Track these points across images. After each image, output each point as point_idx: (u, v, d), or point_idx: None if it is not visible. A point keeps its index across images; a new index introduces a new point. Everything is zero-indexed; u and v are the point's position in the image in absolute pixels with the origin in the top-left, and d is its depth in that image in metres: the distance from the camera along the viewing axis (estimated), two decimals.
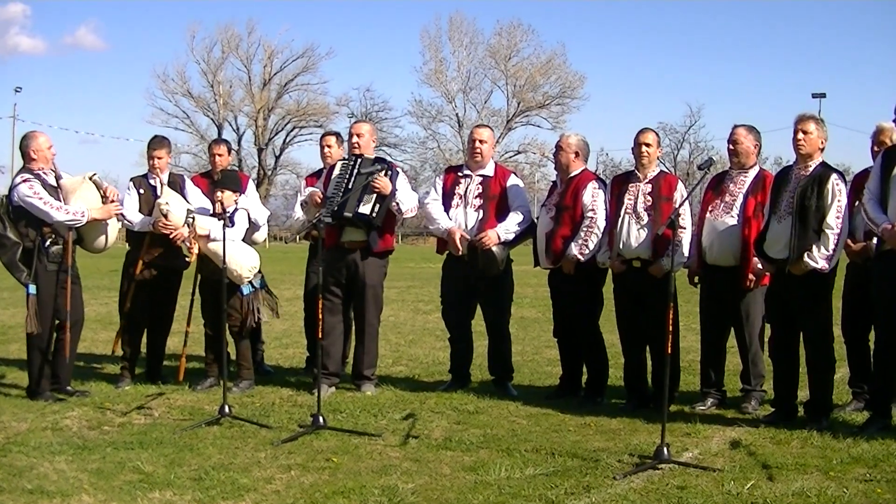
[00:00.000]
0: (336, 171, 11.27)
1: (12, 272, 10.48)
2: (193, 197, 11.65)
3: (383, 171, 11.03)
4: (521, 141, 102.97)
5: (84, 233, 10.80)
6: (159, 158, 11.67)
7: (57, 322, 10.65)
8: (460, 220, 11.17)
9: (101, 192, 10.92)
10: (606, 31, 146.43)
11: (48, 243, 10.45)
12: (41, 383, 10.60)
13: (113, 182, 11.62)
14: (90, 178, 10.92)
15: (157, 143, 11.79)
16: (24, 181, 10.43)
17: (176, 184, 11.69)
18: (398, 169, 11.42)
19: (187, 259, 11.28)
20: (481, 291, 11.35)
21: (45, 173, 10.65)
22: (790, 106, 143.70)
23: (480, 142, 11.34)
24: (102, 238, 11.06)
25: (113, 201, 10.98)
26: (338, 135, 12.67)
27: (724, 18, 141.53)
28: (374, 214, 11.00)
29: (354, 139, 11.42)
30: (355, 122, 11.99)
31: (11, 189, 10.51)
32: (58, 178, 10.81)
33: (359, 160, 11.21)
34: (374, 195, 10.97)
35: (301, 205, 11.71)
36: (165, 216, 11.06)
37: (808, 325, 9.52)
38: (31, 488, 7.29)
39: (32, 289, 10.41)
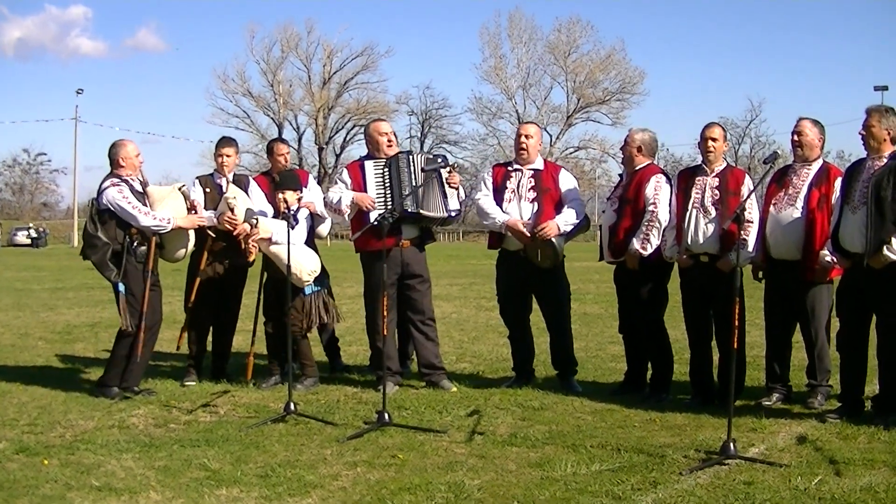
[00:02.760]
0: (374, 171, 11.26)
1: (102, 271, 10.58)
2: (257, 197, 11.71)
3: (452, 168, 11.33)
4: (581, 137, 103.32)
5: (166, 241, 10.95)
6: (228, 157, 11.81)
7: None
8: (514, 213, 11.12)
9: (188, 203, 11.12)
10: (665, 26, 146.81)
11: (135, 244, 10.60)
12: (113, 379, 10.70)
13: (175, 181, 11.71)
14: (179, 189, 11.12)
15: (226, 142, 11.95)
16: (114, 185, 10.59)
17: (241, 183, 11.76)
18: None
19: (251, 258, 11.30)
20: (537, 287, 11.35)
21: (131, 179, 10.81)
22: (852, 99, 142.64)
23: (527, 136, 11.33)
24: (182, 249, 11.24)
25: (197, 213, 11.15)
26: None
27: (784, 11, 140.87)
28: (461, 208, 11.38)
29: (390, 138, 11.43)
30: (377, 121, 11.82)
31: (100, 192, 10.64)
32: (143, 184, 10.97)
33: (411, 157, 11.30)
34: (455, 191, 11.22)
35: (333, 206, 11.36)
36: (232, 210, 11.12)
37: (884, 319, 9.36)
38: (98, 485, 7.35)
39: (122, 287, 10.54)
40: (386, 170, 11.18)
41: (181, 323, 11.89)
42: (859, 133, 9.43)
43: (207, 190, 11.59)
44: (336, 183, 11.52)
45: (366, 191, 11.15)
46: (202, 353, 11.97)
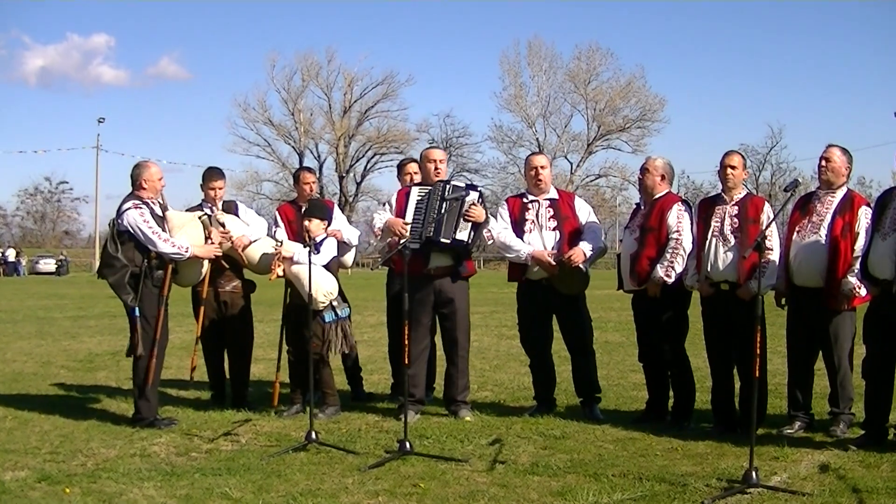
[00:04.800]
0: (416, 197, 11.25)
1: (119, 293, 10.50)
2: (247, 217, 11.93)
3: (478, 199, 11.15)
4: (601, 165, 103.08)
5: (181, 267, 10.90)
6: (220, 189, 11.87)
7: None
8: (537, 243, 11.15)
9: (207, 232, 11.11)
10: (685, 53, 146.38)
11: (153, 268, 10.57)
12: (144, 409, 10.68)
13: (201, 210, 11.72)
14: (199, 219, 11.18)
15: (217, 174, 11.96)
16: (136, 207, 10.55)
17: (230, 209, 11.84)
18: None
19: (272, 278, 11.27)
20: (559, 314, 11.33)
21: (152, 203, 10.79)
22: (872, 126, 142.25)
23: (542, 167, 11.39)
24: (195, 275, 11.26)
25: (213, 243, 11.14)
26: (416, 159, 12.69)
27: (803, 39, 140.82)
28: (469, 241, 11.12)
29: (437, 166, 11.45)
30: (430, 149, 11.87)
31: (121, 214, 10.59)
32: (163, 208, 10.95)
33: (446, 186, 11.22)
34: (470, 223, 11.04)
35: (371, 228, 11.59)
36: (223, 225, 11.21)
37: None
38: None
39: (137, 311, 10.51)
40: (426, 196, 11.21)
41: (197, 351, 11.90)
42: None
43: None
44: (383, 206, 11.68)
45: (404, 216, 11.18)
46: (220, 380, 12.08)
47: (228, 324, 11.86)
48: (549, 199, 11.33)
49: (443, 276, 11.21)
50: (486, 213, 11.17)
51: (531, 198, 11.39)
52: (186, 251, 10.66)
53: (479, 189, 11.40)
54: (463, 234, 11.06)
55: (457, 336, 11.36)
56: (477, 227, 11.13)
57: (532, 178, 11.42)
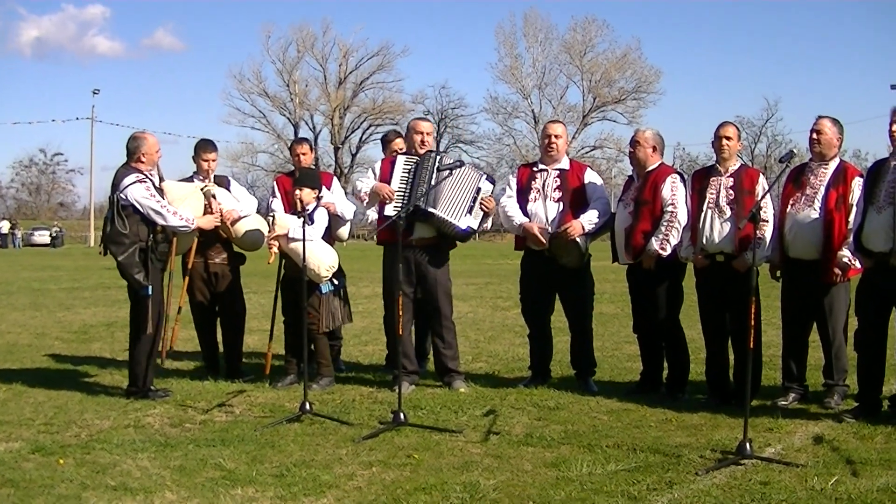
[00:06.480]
0: (402, 166, 11.19)
1: (130, 271, 10.33)
2: (238, 193, 11.91)
3: (492, 192, 11.18)
4: (597, 136, 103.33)
5: (178, 238, 10.87)
6: (212, 161, 11.81)
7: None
8: (540, 213, 11.08)
9: (207, 202, 11.12)
10: (681, 25, 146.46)
11: (159, 242, 10.50)
12: (145, 383, 10.64)
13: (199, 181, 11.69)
14: (202, 190, 11.18)
15: (210, 146, 11.89)
16: (140, 181, 10.39)
17: (222, 184, 11.79)
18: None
19: (270, 260, 11.24)
20: (561, 286, 11.29)
21: (150, 174, 10.66)
22: (868, 98, 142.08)
23: (556, 136, 11.28)
24: (188, 243, 11.27)
25: (213, 213, 11.15)
26: (401, 134, 12.64)
27: (799, 11, 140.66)
28: (476, 230, 11.19)
29: (424, 138, 11.33)
30: (418, 120, 11.74)
31: (123, 188, 10.37)
32: (160, 179, 10.90)
33: (437, 157, 11.14)
34: (483, 213, 11.09)
35: (355, 192, 11.53)
36: (214, 197, 11.24)
37: None
38: (114, 485, 7.34)
39: (150, 290, 10.40)
40: (413, 166, 11.14)
41: (179, 321, 11.85)
42: (891, 132, 9.34)
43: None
44: (368, 171, 11.70)
45: (390, 184, 11.13)
46: (213, 351, 12.14)
47: (219, 296, 11.87)
48: (559, 170, 11.25)
49: (423, 248, 11.18)
50: (496, 205, 11.24)
51: (541, 167, 11.33)
52: (192, 223, 10.67)
53: (493, 180, 11.45)
54: (474, 222, 11.09)
55: (438, 305, 11.32)
56: (486, 217, 11.22)
57: (544, 146, 11.39)
